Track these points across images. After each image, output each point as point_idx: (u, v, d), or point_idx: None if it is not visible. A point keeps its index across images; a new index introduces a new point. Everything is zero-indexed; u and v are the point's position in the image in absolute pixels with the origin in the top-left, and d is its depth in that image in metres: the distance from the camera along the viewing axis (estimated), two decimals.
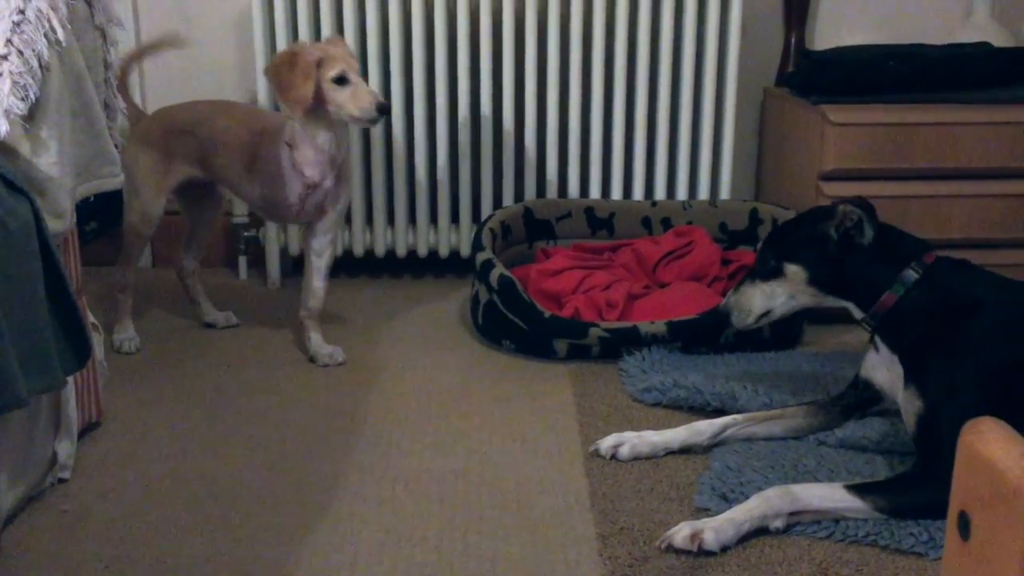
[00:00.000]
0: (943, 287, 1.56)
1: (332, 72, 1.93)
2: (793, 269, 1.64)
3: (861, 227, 1.58)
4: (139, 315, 2.41)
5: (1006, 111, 2.27)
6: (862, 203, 1.62)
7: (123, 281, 2.20)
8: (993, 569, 0.51)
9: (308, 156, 2.01)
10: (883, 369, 1.66)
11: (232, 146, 2.09)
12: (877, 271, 1.59)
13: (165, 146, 2.13)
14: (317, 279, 2.14)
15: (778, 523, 1.45)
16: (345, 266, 2.74)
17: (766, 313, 1.70)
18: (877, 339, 1.64)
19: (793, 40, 2.68)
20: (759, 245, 1.75)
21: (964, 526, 0.54)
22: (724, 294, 2.24)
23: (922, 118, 2.25)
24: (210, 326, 2.33)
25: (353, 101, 1.93)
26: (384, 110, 1.95)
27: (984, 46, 2.41)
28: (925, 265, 1.57)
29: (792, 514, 1.45)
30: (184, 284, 2.33)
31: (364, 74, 2.55)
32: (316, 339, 2.13)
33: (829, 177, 2.29)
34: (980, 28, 2.57)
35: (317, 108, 1.96)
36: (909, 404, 1.54)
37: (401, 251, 2.67)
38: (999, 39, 2.49)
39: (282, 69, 1.94)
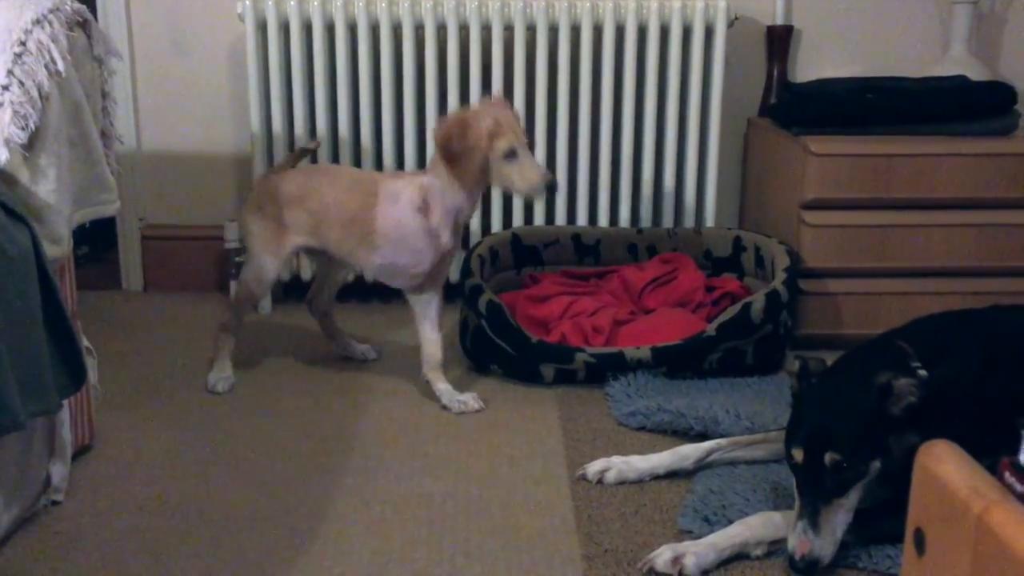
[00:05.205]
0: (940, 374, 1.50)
1: (503, 146, 1.87)
2: (876, 464, 1.43)
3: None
4: (128, 340, 2.43)
5: (982, 143, 2.33)
6: (823, 362, 1.56)
7: (229, 324, 2.15)
8: None
9: (445, 221, 1.95)
10: None
11: (343, 219, 2.01)
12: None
13: (278, 216, 2.06)
14: (431, 330, 2.06)
15: (759, 551, 1.47)
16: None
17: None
18: None
19: (775, 72, 2.74)
20: (799, 458, 1.44)
21: (919, 542, 0.57)
22: (709, 320, 2.28)
23: (900, 149, 2.31)
24: (347, 359, 2.31)
25: (521, 177, 1.89)
26: (553, 189, 1.91)
27: (961, 79, 2.48)
28: (922, 379, 1.47)
29: (773, 542, 1.48)
30: (319, 323, 2.32)
31: (355, 102, 2.60)
32: (445, 389, 2.04)
33: (810, 206, 2.34)
34: (957, 62, 2.63)
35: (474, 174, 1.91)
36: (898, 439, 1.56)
37: None
38: (975, 73, 2.56)
39: (453, 138, 1.88)
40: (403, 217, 1.97)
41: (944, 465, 0.56)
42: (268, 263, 2.10)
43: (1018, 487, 0.53)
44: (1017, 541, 0.49)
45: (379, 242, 1.99)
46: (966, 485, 0.53)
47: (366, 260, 2.04)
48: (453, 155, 1.89)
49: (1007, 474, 0.55)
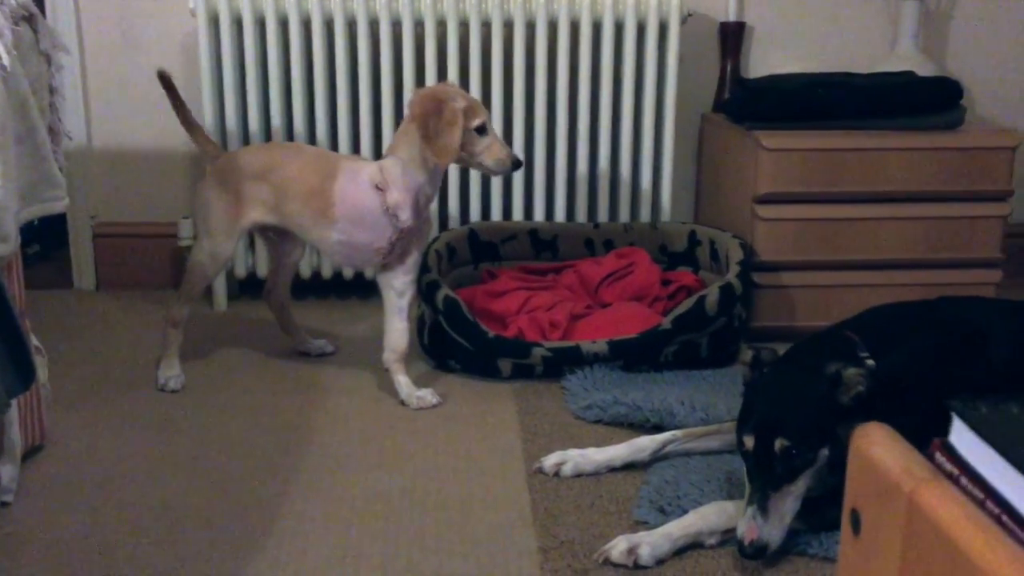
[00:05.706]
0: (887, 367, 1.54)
1: (475, 122, 1.96)
2: (824, 452, 1.46)
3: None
4: (80, 339, 2.40)
5: (930, 137, 2.37)
6: (775, 353, 1.59)
7: (177, 316, 2.11)
8: (879, 559, 0.56)
9: (404, 199, 1.97)
10: None
11: (304, 192, 2.02)
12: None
13: (239, 190, 2.06)
14: (399, 319, 2.07)
15: (712, 540, 1.50)
16: (291, 288, 2.76)
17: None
18: None
19: (728, 68, 2.77)
20: (750, 445, 1.46)
21: (855, 522, 0.59)
22: (665, 313, 2.31)
23: (851, 144, 2.34)
24: (304, 354, 2.30)
25: (489, 153, 1.98)
26: (519, 165, 2.02)
27: (908, 75, 2.52)
28: (870, 368, 1.51)
29: (727, 531, 1.50)
30: (276, 317, 2.31)
31: (309, 97, 2.59)
32: (405, 382, 2.05)
33: (764, 200, 2.37)
34: (905, 58, 2.68)
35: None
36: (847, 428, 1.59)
37: (348, 273, 2.69)
38: (923, 69, 2.60)
39: (431, 117, 1.92)
40: (360, 193, 1.99)
41: (878, 447, 0.57)
42: (224, 239, 2.08)
43: (947, 467, 0.55)
44: (945, 519, 0.51)
45: (336, 216, 2.00)
46: (898, 466, 0.54)
47: (325, 237, 2.03)
48: (431, 134, 1.93)
49: (937, 454, 0.56)
